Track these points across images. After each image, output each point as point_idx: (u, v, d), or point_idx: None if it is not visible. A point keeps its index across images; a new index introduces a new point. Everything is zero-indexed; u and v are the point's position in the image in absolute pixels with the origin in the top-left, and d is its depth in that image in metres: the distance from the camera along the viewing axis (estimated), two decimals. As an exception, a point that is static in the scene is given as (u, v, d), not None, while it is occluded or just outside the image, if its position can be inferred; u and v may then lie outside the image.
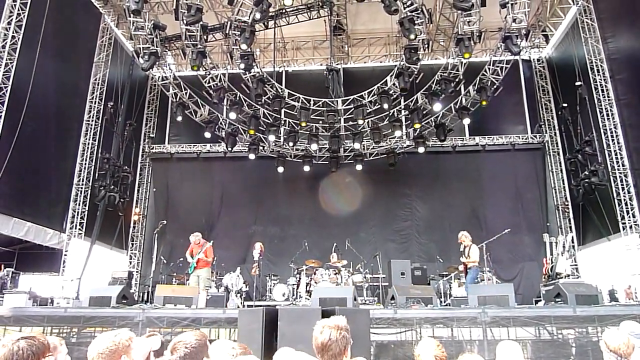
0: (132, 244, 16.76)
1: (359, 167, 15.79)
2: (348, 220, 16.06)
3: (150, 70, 14.02)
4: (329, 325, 2.92)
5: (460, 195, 16.14)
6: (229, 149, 15.28)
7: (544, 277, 11.86)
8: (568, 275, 11.61)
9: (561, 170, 16.17)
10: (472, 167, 16.56)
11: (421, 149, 15.32)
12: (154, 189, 17.37)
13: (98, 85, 14.62)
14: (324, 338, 2.87)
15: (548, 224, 15.62)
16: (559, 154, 16.33)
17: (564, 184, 16.03)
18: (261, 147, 15.93)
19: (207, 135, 15.33)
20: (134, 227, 16.91)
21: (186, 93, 15.10)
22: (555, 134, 16.51)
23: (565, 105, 14.78)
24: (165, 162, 17.60)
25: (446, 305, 11.07)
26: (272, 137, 15.09)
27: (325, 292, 8.56)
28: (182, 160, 17.50)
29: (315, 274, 11.96)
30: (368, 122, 15.27)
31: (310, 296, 10.01)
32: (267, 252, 14.45)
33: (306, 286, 11.71)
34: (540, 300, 10.68)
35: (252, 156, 15.64)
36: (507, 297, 8.20)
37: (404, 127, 15.70)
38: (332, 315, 3.21)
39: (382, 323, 7.58)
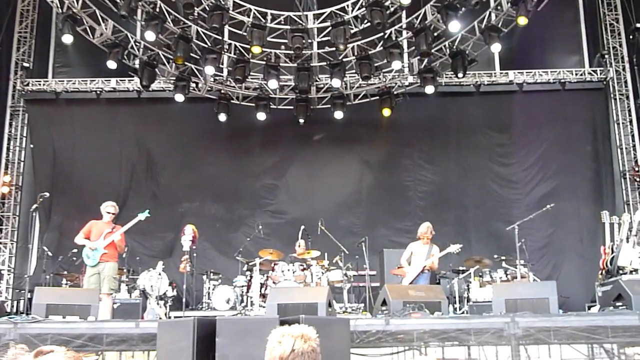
0: (0, 230, 16.56)
1: (338, 114, 15.74)
2: (322, 193, 16.19)
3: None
4: (292, 334, 2.92)
5: (485, 155, 16.40)
6: (145, 85, 15.00)
7: (601, 273, 12.16)
8: (635, 270, 11.92)
9: (630, 121, 16.45)
10: (503, 116, 16.73)
11: (430, 89, 15.30)
12: (32, 146, 17.05)
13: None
14: (283, 351, 2.87)
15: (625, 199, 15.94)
16: (628, 97, 16.58)
17: (634, 140, 16.35)
18: (194, 84, 15.71)
19: (112, 65, 14.97)
20: (2, 204, 16.67)
21: (79, 0, 14.65)
22: (624, 69, 16.71)
23: (639, 26, 14.88)
24: (48, 106, 17.26)
25: (461, 313, 11.33)
26: (210, 69, 14.86)
27: (286, 295, 8.63)
28: (74, 102, 17.19)
29: (273, 270, 12.04)
30: (353, 48, 15.15)
31: (265, 302, 10.08)
32: (204, 239, 14.43)
33: (260, 288, 11.80)
34: (595, 305, 10.98)
35: (180, 97, 15.41)
36: (547, 301, 8.43)
37: (405, 55, 15.63)
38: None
39: (369, 339, 7.71)
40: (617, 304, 8.65)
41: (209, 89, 16.02)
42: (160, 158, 16.73)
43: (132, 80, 16.37)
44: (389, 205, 16.29)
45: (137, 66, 15.13)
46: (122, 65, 15.09)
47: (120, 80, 16.85)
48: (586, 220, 15.56)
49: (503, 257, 12.53)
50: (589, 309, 12.26)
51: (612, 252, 12.00)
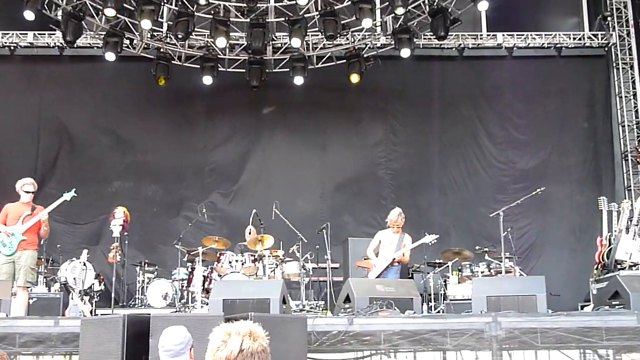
0: None
1: (299, 80, 15.68)
2: (278, 170, 16.24)
3: None
4: (238, 332, 2.91)
5: (469, 130, 16.56)
6: (69, 41, 14.74)
7: (597, 268, 12.38)
8: (634, 265, 12.14)
9: (634, 95, 16.66)
10: (489, 85, 16.89)
11: (406, 52, 15.32)
12: None
13: None
14: (230, 351, 2.85)
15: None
16: (632, 66, 16.79)
17: (637, 116, 16.56)
18: (128, 41, 15.50)
19: (30, 16, 14.69)
20: None
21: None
22: (628, 34, 16.87)
23: (646, -16, 15.08)
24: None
25: (437, 312, 11.44)
26: (146, 23, 14.66)
27: (234, 289, 8.59)
28: (-16, 59, 16.84)
29: (219, 261, 12.01)
30: (316, 1, 15.08)
31: (209, 297, 10.06)
32: (138, 224, 14.32)
33: (203, 282, 11.78)
34: (589, 304, 11.18)
35: (111, 56, 15.19)
36: (534, 299, 8.56)
37: (377, 12, 15.61)
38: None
39: (329, 341, 7.74)
40: (614, 302, 8.81)
41: (146, 46, 15.80)
42: (87, 128, 16.50)
43: (54, 34, 16.08)
44: (356, 186, 16.36)
45: (59, 18, 14.84)
46: (42, 16, 14.80)
47: (39, 34, 16.51)
48: (581, 208, 15.84)
49: (486, 249, 12.66)
50: (581, 308, 12.47)
51: (610, 243, 12.20)
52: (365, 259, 11.60)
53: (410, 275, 12.75)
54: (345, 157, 16.57)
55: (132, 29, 15.36)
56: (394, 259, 10.86)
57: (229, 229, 14.49)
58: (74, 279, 12.07)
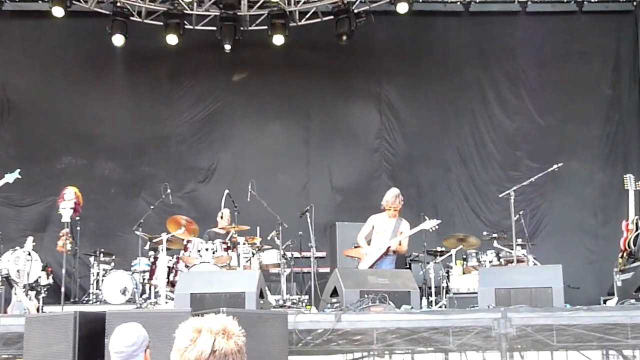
0: None
1: (278, 39, 15.61)
2: (254, 143, 16.20)
3: None
4: (210, 329, 2.87)
5: (476, 96, 16.54)
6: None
7: (622, 256, 12.44)
8: (666, 253, 12.23)
9: (667, 55, 16.69)
10: (500, 44, 16.87)
11: (403, 7, 15.30)
12: None
13: None
14: (200, 352, 2.82)
15: None
16: (663, 24, 16.82)
17: (670, 78, 16.60)
18: (78, -6, 15.40)
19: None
20: None
21: None
22: (659, -14, 16.93)
23: None
24: None
25: (438, 307, 11.49)
26: (100, -27, 14.57)
27: (203, 282, 8.62)
28: None
29: (186, 249, 11.99)
30: (298, -52, 15.03)
31: (174, 291, 10.06)
32: (92, 207, 14.26)
33: (168, 273, 11.77)
34: (612, 298, 11.25)
35: (59, 11, 15.05)
36: (549, 291, 8.61)
37: (370, -39, 15.58)
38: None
39: (314, 341, 7.76)
40: (641, 295, 8.90)
41: (100, 0, 15.68)
42: (31, 95, 16.38)
43: (-8, -14, 15.89)
44: (346, 162, 16.41)
45: (-3, -35, 14.75)
46: (-24, -37, 14.71)
47: (-26, -13, 16.33)
48: (604, 187, 15.90)
49: (494, 235, 12.67)
50: (604, 302, 12.55)
51: (637, 228, 12.26)
52: (355, 247, 11.60)
53: (408, 266, 12.80)
54: (332, 128, 16.59)
55: (84, -21, 15.28)
56: (389, 247, 10.86)
57: (198, 211, 14.49)
58: (18, 271, 12.01)
